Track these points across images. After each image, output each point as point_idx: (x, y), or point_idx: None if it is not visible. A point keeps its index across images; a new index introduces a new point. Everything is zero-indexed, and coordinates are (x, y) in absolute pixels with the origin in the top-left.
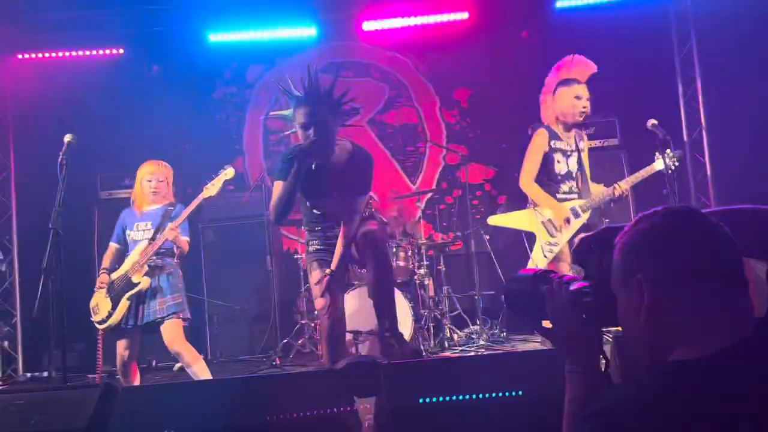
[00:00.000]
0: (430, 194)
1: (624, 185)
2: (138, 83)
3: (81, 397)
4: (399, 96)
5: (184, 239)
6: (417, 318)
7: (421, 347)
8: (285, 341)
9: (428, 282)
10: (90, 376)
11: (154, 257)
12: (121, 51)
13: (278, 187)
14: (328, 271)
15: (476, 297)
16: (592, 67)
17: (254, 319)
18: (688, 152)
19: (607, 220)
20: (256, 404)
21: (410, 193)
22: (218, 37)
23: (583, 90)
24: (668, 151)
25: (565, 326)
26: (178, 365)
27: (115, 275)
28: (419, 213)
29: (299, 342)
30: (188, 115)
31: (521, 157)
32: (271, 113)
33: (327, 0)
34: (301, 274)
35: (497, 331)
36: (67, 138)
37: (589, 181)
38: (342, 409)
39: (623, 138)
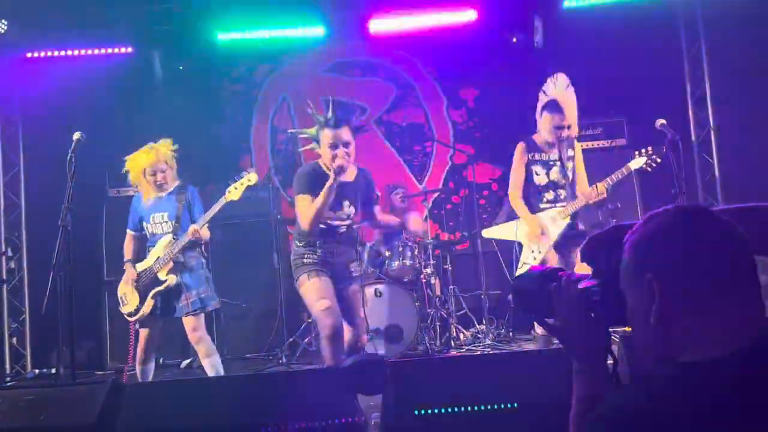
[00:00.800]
0: (437, 194)
1: (601, 186)
2: (146, 81)
3: (90, 393)
4: (406, 95)
5: (204, 231)
6: (423, 317)
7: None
8: (291, 339)
9: (435, 281)
10: (98, 373)
11: (180, 254)
12: (130, 50)
13: (306, 201)
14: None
15: (483, 296)
16: (567, 89)
17: (261, 317)
18: (696, 152)
19: (614, 221)
20: (263, 402)
21: (417, 192)
22: (227, 36)
23: (561, 119)
24: (648, 149)
25: (572, 325)
26: (185, 362)
27: (140, 267)
28: (426, 212)
29: (306, 340)
30: (196, 113)
31: None
32: (293, 131)
33: (335, 0)
34: None
35: (503, 330)
36: (76, 136)
37: (581, 187)
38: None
39: (631, 138)
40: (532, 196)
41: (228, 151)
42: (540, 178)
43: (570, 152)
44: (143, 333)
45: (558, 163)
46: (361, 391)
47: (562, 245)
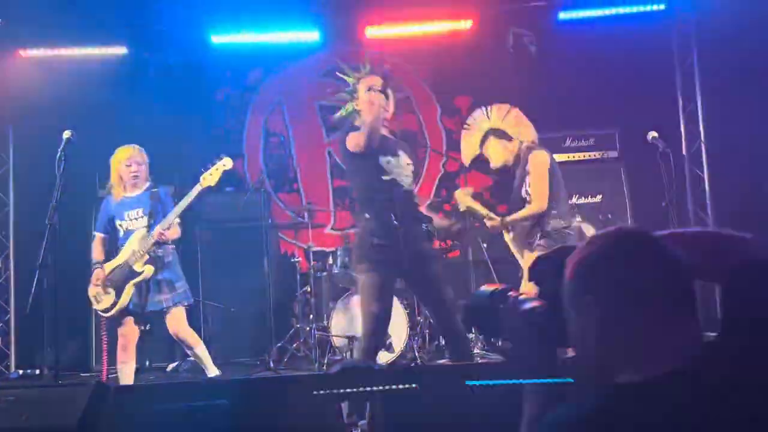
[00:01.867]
0: (428, 201)
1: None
2: (139, 82)
3: (73, 394)
4: (400, 102)
5: (174, 230)
6: (413, 324)
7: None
8: (280, 344)
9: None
10: (82, 374)
11: (154, 247)
12: (124, 50)
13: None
14: None
15: None
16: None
17: (250, 322)
18: (687, 166)
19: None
20: (249, 407)
21: None
22: (221, 38)
23: (515, 147)
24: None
25: (520, 345)
26: (171, 366)
27: (112, 264)
28: None
29: (294, 346)
30: (189, 115)
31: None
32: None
33: (331, 5)
34: (298, 277)
35: (493, 339)
36: (66, 134)
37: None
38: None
39: (623, 150)
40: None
41: (220, 154)
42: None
43: (526, 167)
44: (122, 332)
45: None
46: (348, 398)
47: None
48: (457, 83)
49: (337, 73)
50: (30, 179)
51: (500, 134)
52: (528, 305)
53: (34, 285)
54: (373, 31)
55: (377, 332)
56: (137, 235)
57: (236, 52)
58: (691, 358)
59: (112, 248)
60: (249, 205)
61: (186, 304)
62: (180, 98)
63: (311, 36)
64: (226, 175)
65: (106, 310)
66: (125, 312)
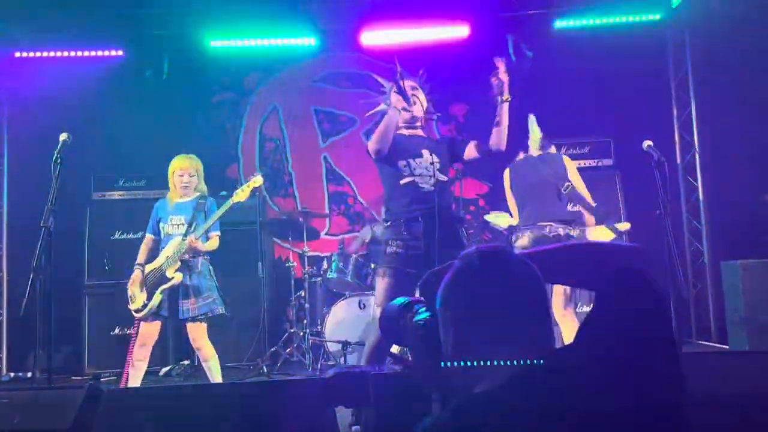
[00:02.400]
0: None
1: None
2: (136, 86)
3: (65, 398)
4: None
5: (214, 234)
6: None
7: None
8: (273, 349)
9: (417, 294)
10: (75, 378)
11: (187, 255)
12: (120, 53)
13: (380, 126)
14: None
15: None
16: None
17: (243, 326)
18: (681, 175)
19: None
20: (241, 411)
21: None
22: (218, 43)
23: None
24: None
25: (415, 357)
26: (164, 369)
27: (149, 267)
28: None
29: (287, 351)
30: (185, 119)
31: None
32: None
33: (327, 11)
34: (292, 282)
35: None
36: (63, 137)
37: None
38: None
39: (618, 158)
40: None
41: (216, 158)
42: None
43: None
44: (143, 330)
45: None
46: (342, 403)
47: None
48: (453, 90)
49: (374, 76)
50: (24, 181)
51: None
52: (419, 318)
53: (27, 287)
54: (369, 38)
55: (379, 336)
56: (174, 241)
57: (233, 57)
58: (541, 364)
59: (156, 251)
60: (244, 209)
61: (211, 314)
62: (176, 102)
63: (308, 42)
64: (221, 179)
65: (138, 311)
66: (155, 315)
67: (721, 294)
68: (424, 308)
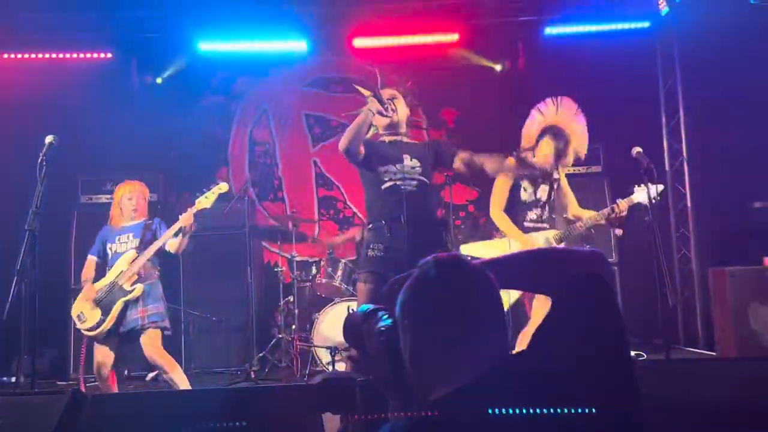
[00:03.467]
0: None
1: (623, 204)
2: (125, 88)
3: (48, 403)
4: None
5: (176, 245)
6: None
7: None
8: (261, 355)
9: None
10: (59, 383)
11: (144, 268)
12: (109, 55)
13: (351, 125)
14: None
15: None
16: (576, 116)
17: (231, 332)
18: (669, 182)
19: (587, 246)
20: (229, 416)
21: None
22: (208, 46)
23: (564, 144)
24: (655, 185)
25: (377, 364)
26: (151, 375)
27: (98, 285)
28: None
29: (275, 356)
30: (174, 123)
31: None
32: (350, 113)
33: (319, 15)
34: (281, 287)
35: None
36: (49, 139)
37: (572, 210)
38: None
39: (607, 165)
40: (517, 213)
41: (205, 162)
42: (527, 194)
43: (555, 175)
44: (98, 352)
45: (546, 182)
46: (329, 410)
47: None
48: (444, 96)
49: (355, 86)
50: (9, 183)
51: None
52: (381, 325)
53: (11, 291)
54: (360, 42)
55: None
56: (126, 256)
57: (223, 60)
58: (497, 368)
59: (101, 272)
60: (233, 214)
61: (161, 326)
62: (165, 105)
63: (299, 46)
64: (210, 183)
65: (92, 329)
66: (110, 333)
67: (708, 301)
68: (386, 315)
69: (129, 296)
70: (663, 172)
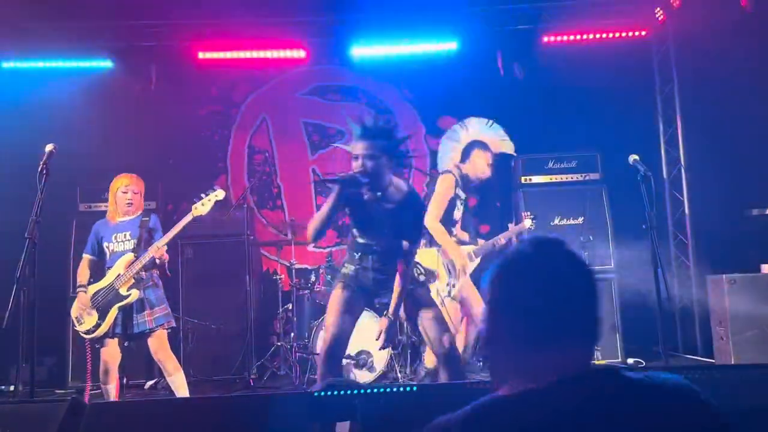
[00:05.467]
0: None
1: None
2: (124, 97)
3: (47, 411)
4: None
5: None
6: (394, 344)
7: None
8: (260, 362)
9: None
10: (58, 391)
11: (143, 271)
12: (109, 64)
13: (317, 215)
14: (385, 314)
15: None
16: (509, 147)
17: (230, 339)
18: (667, 189)
19: (586, 253)
20: (227, 425)
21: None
22: (207, 55)
23: (491, 157)
24: (529, 213)
25: None
26: (150, 383)
27: (96, 287)
28: None
29: (274, 364)
30: (173, 131)
31: (503, 187)
32: (336, 144)
33: (318, 24)
34: (280, 295)
35: (473, 360)
36: (49, 147)
37: (458, 230)
38: None
39: (604, 172)
40: (449, 229)
41: (205, 170)
42: (457, 212)
43: (463, 195)
44: (104, 352)
45: (464, 203)
46: (328, 417)
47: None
48: (442, 103)
49: (348, 120)
50: (9, 192)
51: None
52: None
53: (11, 299)
54: (359, 51)
55: (329, 343)
56: (123, 259)
57: (222, 69)
58: (577, 373)
59: (99, 270)
60: (231, 222)
61: (168, 326)
62: (165, 113)
63: (298, 54)
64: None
65: (89, 332)
66: (108, 334)
67: (707, 308)
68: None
69: (124, 302)
70: (661, 179)
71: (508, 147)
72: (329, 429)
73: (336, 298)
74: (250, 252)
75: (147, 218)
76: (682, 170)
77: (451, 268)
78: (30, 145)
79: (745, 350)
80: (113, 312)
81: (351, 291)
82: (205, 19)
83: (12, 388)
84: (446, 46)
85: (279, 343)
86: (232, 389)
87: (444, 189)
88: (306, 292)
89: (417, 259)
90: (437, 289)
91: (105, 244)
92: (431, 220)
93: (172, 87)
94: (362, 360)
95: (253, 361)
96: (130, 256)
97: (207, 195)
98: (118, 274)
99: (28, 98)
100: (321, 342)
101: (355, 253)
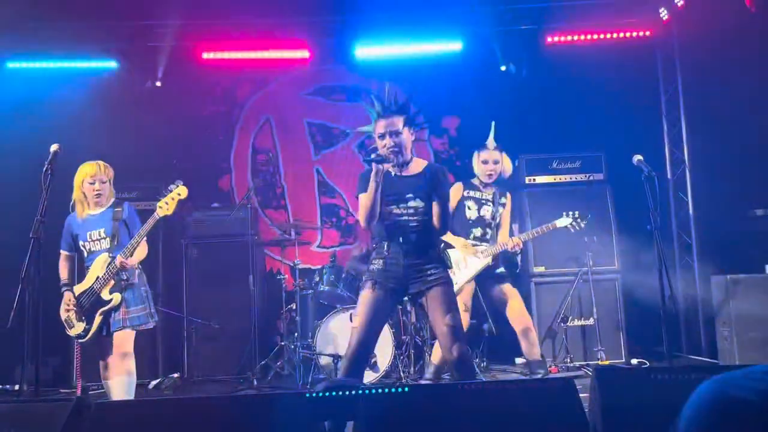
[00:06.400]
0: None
1: (516, 239)
2: (129, 97)
3: (53, 410)
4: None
5: (140, 253)
6: (398, 344)
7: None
8: (263, 362)
9: (411, 308)
10: (62, 390)
11: (122, 273)
12: (114, 65)
13: (363, 199)
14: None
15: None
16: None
17: (233, 339)
18: (671, 190)
19: (590, 253)
20: (230, 425)
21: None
22: (211, 55)
23: (490, 154)
24: (575, 212)
25: None
26: (153, 382)
27: (79, 289)
28: None
29: (278, 364)
30: (178, 131)
31: (507, 187)
32: (358, 129)
33: (321, 24)
34: (283, 295)
35: (477, 360)
36: (54, 148)
37: (503, 235)
38: None
39: (609, 173)
40: (461, 230)
41: (208, 170)
42: (471, 212)
43: (503, 200)
44: (96, 351)
45: (491, 203)
46: (331, 417)
47: (485, 282)
48: (446, 104)
49: (363, 105)
50: (13, 191)
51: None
52: None
53: (16, 298)
54: (363, 51)
55: (354, 346)
56: (100, 260)
57: (226, 69)
58: None
59: (79, 267)
60: (235, 222)
61: (143, 328)
62: (169, 113)
63: (302, 54)
64: (214, 191)
65: (80, 336)
66: (95, 337)
67: (711, 308)
68: None
69: (107, 307)
70: (665, 179)
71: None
72: (337, 429)
73: (365, 299)
74: (254, 252)
75: (120, 208)
76: (687, 170)
77: (459, 265)
78: (35, 146)
79: (749, 351)
80: (98, 318)
81: (382, 290)
82: (209, 19)
83: (17, 387)
84: (450, 46)
85: (282, 343)
86: (235, 389)
87: (451, 195)
88: (310, 292)
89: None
90: None
91: (81, 243)
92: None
93: (177, 87)
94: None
95: (257, 361)
96: (106, 256)
97: (168, 192)
98: (98, 276)
99: (32, 98)
100: (347, 342)
101: (384, 242)
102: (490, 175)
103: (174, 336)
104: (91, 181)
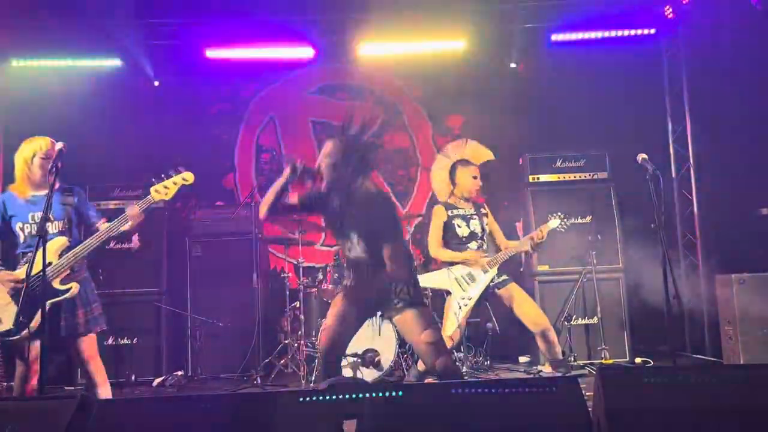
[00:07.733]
0: (419, 218)
1: (516, 245)
2: (134, 95)
3: (56, 408)
4: (393, 120)
5: (100, 222)
6: (401, 343)
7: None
8: (267, 360)
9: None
10: (66, 388)
11: (79, 261)
12: (118, 63)
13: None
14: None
15: (460, 324)
16: (488, 155)
17: (237, 337)
18: (676, 188)
19: (594, 252)
20: (234, 422)
21: (400, 216)
22: (216, 53)
23: (477, 170)
24: (560, 213)
25: None
26: (158, 380)
27: (16, 276)
28: (408, 236)
29: (281, 362)
30: (181, 129)
31: (512, 187)
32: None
33: (326, 23)
34: (287, 293)
35: (481, 359)
36: (59, 146)
37: (500, 240)
38: None
39: (613, 172)
40: (457, 248)
41: (212, 169)
42: (462, 230)
43: (482, 210)
44: (31, 360)
45: (476, 216)
46: (336, 415)
47: (490, 292)
48: (450, 102)
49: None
50: None
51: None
52: None
53: (21, 297)
54: (366, 49)
55: (326, 345)
56: (55, 244)
57: (230, 67)
58: None
59: (7, 254)
60: (239, 220)
61: (98, 330)
62: (174, 112)
63: (306, 53)
64: (218, 189)
65: (9, 333)
66: (33, 336)
67: (715, 307)
68: None
69: (61, 298)
70: (669, 178)
71: (487, 155)
72: (337, 427)
73: (336, 305)
74: (257, 250)
75: (70, 194)
76: (691, 169)
77: (463, 282)
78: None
79: (753, 350)
80: (43, 312)
81: (353, 305)
82: (213, 17)
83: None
84: (454, 44)
85: (286, 341)
86: (238, 387)
87: (436, 218)
88: (313, 290)
89: (425, 281)
90: (452, 303)
91: (18, 225)
92: (433, 249)
93: (181, 85)
94: (369, 358)
95: (261, 359)
96: (63, 240)
97: (170, 176)
98: (50, 263)
99: (37, 96)
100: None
101: (348, 270)
102: (478, 190)
103: (178, 334)
104: (43, 156)
